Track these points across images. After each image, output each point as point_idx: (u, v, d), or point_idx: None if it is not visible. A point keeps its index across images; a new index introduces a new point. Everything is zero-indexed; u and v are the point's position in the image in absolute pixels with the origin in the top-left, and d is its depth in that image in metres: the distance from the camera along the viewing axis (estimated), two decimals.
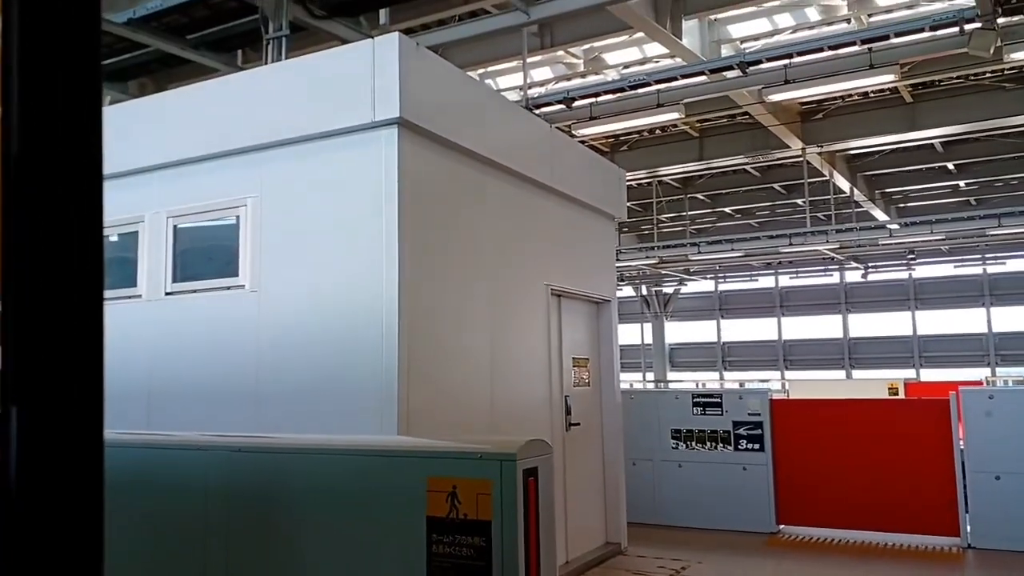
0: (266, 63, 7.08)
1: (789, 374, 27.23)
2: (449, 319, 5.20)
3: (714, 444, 8.47)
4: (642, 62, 12.54)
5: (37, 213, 0.80)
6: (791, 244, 17.44)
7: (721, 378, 28.93)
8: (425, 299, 4.94)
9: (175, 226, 5.57)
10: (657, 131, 15.52)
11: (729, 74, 10.20)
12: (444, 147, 5.26)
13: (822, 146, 14.82)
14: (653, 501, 8.60)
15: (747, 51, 10.60)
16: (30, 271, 0.78)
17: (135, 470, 3.59)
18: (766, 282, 28.61)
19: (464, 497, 3.07)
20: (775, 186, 19.23)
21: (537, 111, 9.92)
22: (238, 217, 5.29)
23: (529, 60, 10.09)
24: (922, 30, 8.55)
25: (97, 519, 0.80)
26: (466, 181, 5.52)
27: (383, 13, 8.42)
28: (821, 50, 9.28)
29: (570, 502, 6.84)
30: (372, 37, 5.10)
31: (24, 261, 0.78)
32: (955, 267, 25.32)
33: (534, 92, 11.10)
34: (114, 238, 5.91)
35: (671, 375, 29.43)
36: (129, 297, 5.70)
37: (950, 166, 17.71)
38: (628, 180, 11.34)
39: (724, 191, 19.95)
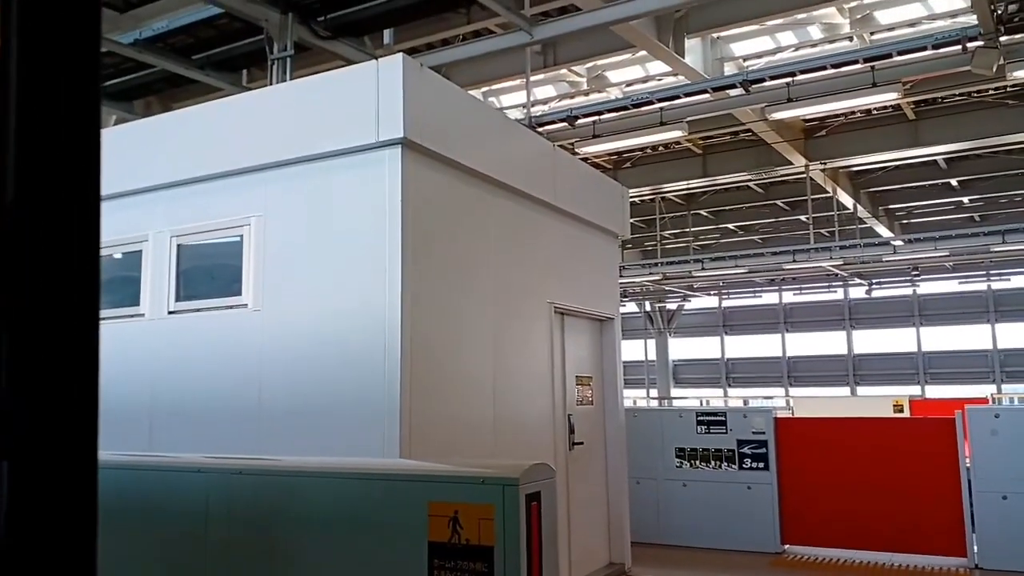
0: (271, 83, 7.12)
1: (793, 390, 27.13)
2: (452, 338, 5.19)
3: (718, 463, 8.42)
4: (645, 80, 12.58)
5: (33, 250, 0.79)
6: (795, 260, 17.43)
7: (725, 395, 28.83)
8: (428, 318, 4.93)
9: (179, 245, 5.57)
10: (660, 148, 15.55)
11: (732, 92, 10.24)
12: (447, 166, 5.27)
13: (825, 163, 14.84)
14: (657, 521, 8.54)
15: (750, 69, 10.64)
16: (23, 317, 0.77)
17: (135, 492, 3.57)
18: (770, 298, 28.57)
19: (466, 522, 3.05)
20: (778, 202, 19.24)
21: (540, 129, 9.95)
22: (242, 236, 5.29)
23: (532, 78, 10.12)
24: (925, 48, 8.57)
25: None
26: (469, 200, 5.53)
27: (387, 33, 8.47)
28: (824, 68, 9.31)
29: (573, 522, 6.79)
30: (376, 57, 5.12)
31: (17, 307, 0.77)
32: (960, 283, 25.26)
33: (537, 110, 11.15)
34: (118, 256, 5.92)
35: (675, 391, 29.33)
36: (132, 316, 5.71)
37: (954, 182, 17.71)
38: (631, 197, 11.36)
39: (728, 207, 19.97)
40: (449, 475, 3.15)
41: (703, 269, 18.64)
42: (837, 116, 13.86)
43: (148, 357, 5.56)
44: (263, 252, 5.21)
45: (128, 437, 5.40)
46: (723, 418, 8.54)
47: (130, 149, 5.93)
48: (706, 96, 10.40)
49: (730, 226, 21.63)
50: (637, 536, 7.95)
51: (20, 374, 0.76)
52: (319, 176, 5.09)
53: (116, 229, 5.89)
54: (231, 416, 5.08)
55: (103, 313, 5.79)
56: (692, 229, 20.32)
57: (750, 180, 17.17)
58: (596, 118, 10.59)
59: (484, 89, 11.95)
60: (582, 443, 7.04)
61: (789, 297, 28.12)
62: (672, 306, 29.47)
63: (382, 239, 4.79)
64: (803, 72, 9.40)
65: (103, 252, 5.67)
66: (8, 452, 0.73)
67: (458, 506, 3.05)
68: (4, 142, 0.80)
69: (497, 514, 3.04)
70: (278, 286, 5.13)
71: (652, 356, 30.16)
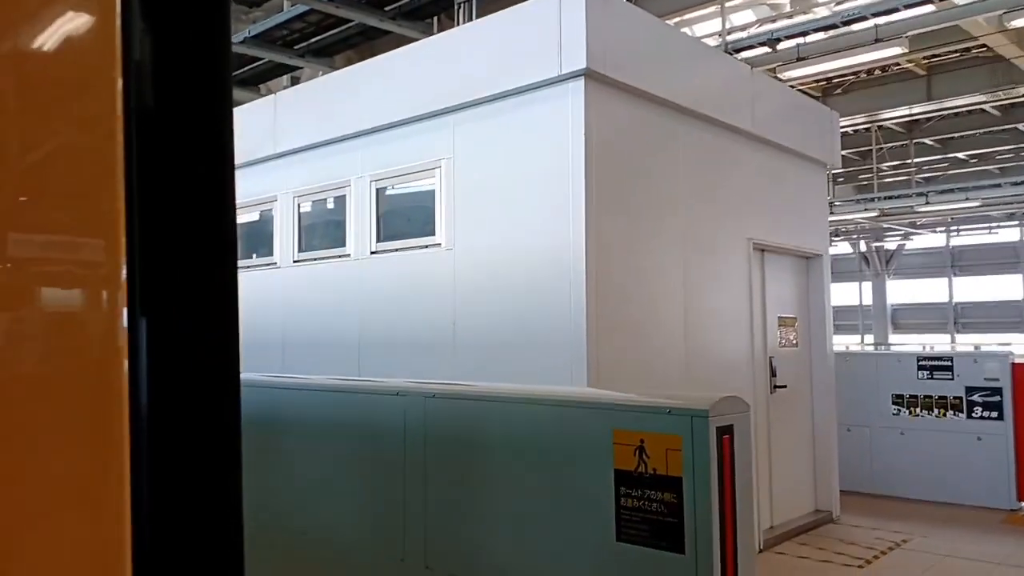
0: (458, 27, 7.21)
1: None
2: (640, 273, 5.07)
3: (942, 411, 7.70)
4: None
5: (175, 150, 0.80)
6: None
7: (952, 341, 26.28)
8: (614, 252, 4.84)
9: (377, 189, 5.86)
10: (876, 71, 14.14)
11: (960, 1, 9.03)
12: (634, 96, 5.09)
13: None
14: (870, 470, 8.00)
15: None
16: (159, 187, 0.78)
17: (344, 413, 3.85)
18: (1008, 235, 25.47)
19: (652, 452, 2.98)
20: (1019, 127, 16.94)
21: (738, 56, 9.36)
22: (434, 178, 5.46)
23: (729, 4, 9.52)
24: None
25: (234, 434, 0.80)
26: (657, 130, 5.32)
27: None
28: None
29: (775, 466, 6.51)
30: None
31: (154, 178, 0.78)
32: None
33: (734, 37, 10.47)
34: (329, 204, 6.34)
35: (893, 338, 27.14)
36: (340, 257, 6.11)
37: None
38: (843, 126, 10.44)
39: (956, 134, 17.88)
40: (634, 404, 3.09)
41: (927, 204, 16.91)
42: None
43: (355, 294, 5.95)
44: (453, 193, 5.35)
45: (340, 364, 5.85)
46: (949, 363, 7.78)
47: (331, 100, 6.29)
48: (930, 7, 9.26)
49: (960, 155, 19.39)
50: (847, 485, 7.50)
51: (157, 232, 0.77)
52: (504, 115, 5.11)
53: (324, 176, 6.29)
54: (428, 346, 5.34)
55: (317, 254, 6.25)
56: (914, 160, 18.43)
57: (985, 102, 15.19)
58: (800, 40, 9.78)
59: (676, 19, 11.41)
60: (785, 386, 6.69)
61: None
62: (891, 245, 27.10)
63: (566, 173, 4.74)
64: None
65: (314, 198, 6.09)
66: (150, 308, 0.75)
67: (644, 435, 2.99)
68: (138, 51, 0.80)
69: (685, 445, 2.94)
70: (468, 225, 5.25)
71: (867, 301, 28.03)
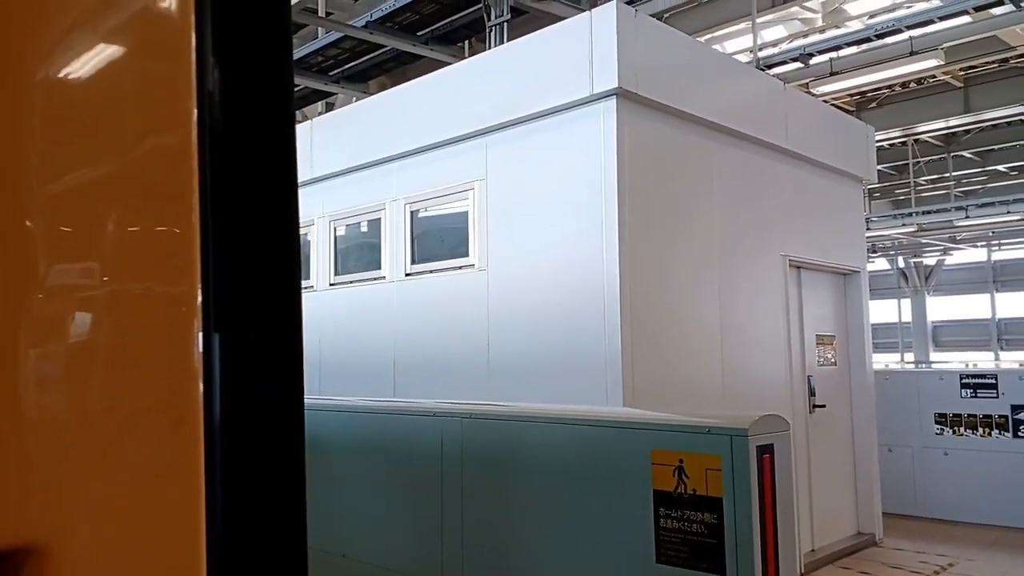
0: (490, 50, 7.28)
1: None
2: (675, 292, 5.04)
3: (987, 430, 7.51)
4: (891, 8, 11.34)
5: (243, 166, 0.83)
6: None
7: (996, 359, 25.63)
8: (648, 272, 4.83)
9: (411, 212, 5.92)
10: (912, 84, 13.96)
11: (998, 11, 8.91)
12: (666, 114, 5.09)
13: None
14: (913, 491, 7.81)
15: None
16: (228, 196, 0.80)
17: (379, 433, 3.87)
18: None
19: (692, 472, 2.95)
20: None
21: (770, 72, 9.32)
22: (467, 200, 5.50)
23: (760, 20, 9.49)
24: None
25: (299, 445, 0.82)
26: (691, 148, 5.31)
27: None
28: None
29: (816, 488, 6.39)
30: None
31: (225, 190, 0.80)
32: None
33: (765, 53, 10.43)
34: (364, 228, 6.41)
35: (934, 356, 26.56)
36: (375, 279, 6.17)
37: None
38: (878, 140, 10.32)
39: (996, 147, 17.55)
40: (673, 424, 3.07)
41: (967, 218, 16.59)
42: None
43: (390, 315, 5.99)
44: (487, 214, 5.38)
45: (376, 385, 5.89)
46: (993, 380, 7.59)
47: (366, 125, 6.37)
48: (966, 19, 9.15)
49: (1000, 168, 19.03)
50: (889, 507, 7.33)
51: (228, 251, 0.79)
52: (536, 135, 5.14)
53: (359, 200, 6.37)
54: (463, 367, 5.35)
55: (352, 277, 6.31)
56: (953, 173, 18.12)
57: None
58: (833, 55, 9.71)
59: (707, 36, 11.41)
60: (824, 406, 6.58)
61: None
62: (930, 261, 26.61)
63: (599, 193, 4.74)
64: None
65: (349, 222, 6.15)
66: (222, 326, 0.77)
67: (683, 455, 2.96)
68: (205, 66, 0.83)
69: (725, 465, 2.91)
70: (501, 246, 5.28)
71: (907, 318, 27.50)
